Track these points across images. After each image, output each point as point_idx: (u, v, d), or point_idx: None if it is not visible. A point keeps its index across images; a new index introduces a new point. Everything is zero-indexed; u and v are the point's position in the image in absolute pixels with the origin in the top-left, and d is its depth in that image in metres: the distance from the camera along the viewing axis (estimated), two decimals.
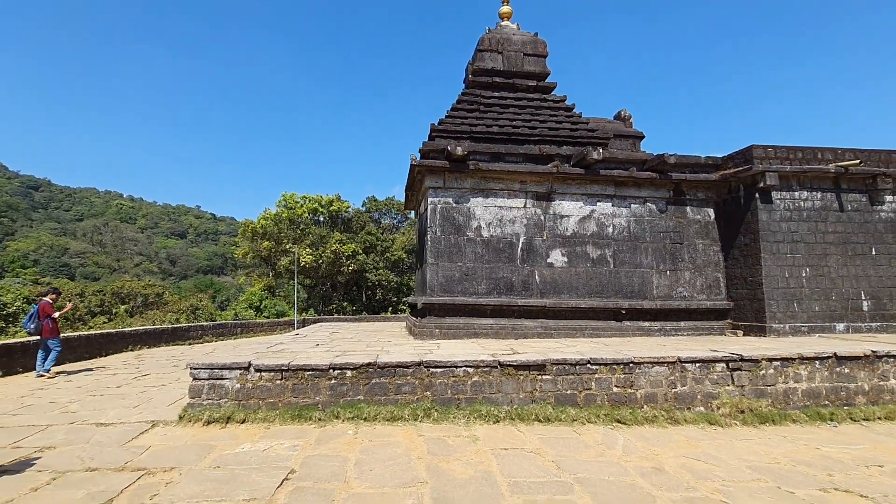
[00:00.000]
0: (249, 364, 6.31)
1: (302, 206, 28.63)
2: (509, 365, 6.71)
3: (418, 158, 10.07)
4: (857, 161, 10.16)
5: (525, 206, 10.47)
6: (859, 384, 7.34)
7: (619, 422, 6.60)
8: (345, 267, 26.61)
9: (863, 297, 10.29)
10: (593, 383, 6.82)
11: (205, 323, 18.11)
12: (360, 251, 27.47)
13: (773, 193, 10.28)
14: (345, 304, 28.03)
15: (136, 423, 6.08)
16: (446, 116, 11.11)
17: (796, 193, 10.40)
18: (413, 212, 14.81)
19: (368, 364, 6.48)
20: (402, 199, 35.47)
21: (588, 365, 6.84)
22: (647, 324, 10.51)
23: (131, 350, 13.58)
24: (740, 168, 10.47)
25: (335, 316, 25.65)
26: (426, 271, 10.19)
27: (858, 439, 6.28)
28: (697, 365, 7.04)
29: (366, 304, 30.08)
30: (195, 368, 6.24)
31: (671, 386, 6.97)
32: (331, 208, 29.73)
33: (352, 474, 4.56)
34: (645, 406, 6.83)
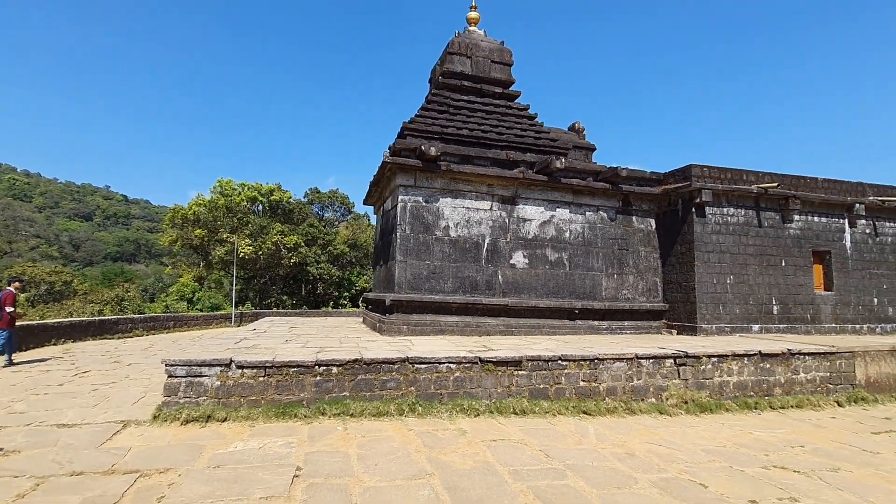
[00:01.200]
0: (231, 360, 6.12)
1: (240, 193, 26.98)
2: (489, 361, 7.06)
3: (390, 155, 10.12)
4: (775, 184, 11.69)
5: (491, 209, 10.90)
6: (777, 377, 8.54)
7: (585, 413, 7.19)
8: (286, 259, 25.59)
9: (774, 302, 11.88)
10: (563, 378, 7.37)
11: (134, 315, 16.64)
12: (302, 244, 26.59)
13: (707, 208, 11.55)
14: (284, 297, 26.93)
15: (103, 423, 5.68)
16: (417, 115, 11.23)
17: (725, 209, 11.76)
18: (372, 207, 14.74)
19: (354, 360, 6.52)
20: (346, 193, 34.92)
21: (559, 361, 7.37)
22: (596, 322, 11.38)
23: (55, 344, 12.28)
24: (680, 184, 11.63)
25: (274, 310, 24.65)
26: (394, 268, 10.28)
27: (779, 425, 7.34)
28: (651, 361, 7.83)
29: (305, 299, 29.15)
30: (171, 365, 5.94)
31: (629, 380, 7.70)
32: (271, 198, 28.33)
33: (358, 469, 4.65)
34: (607, 398, 7.49)
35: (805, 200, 12.24)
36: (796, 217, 12.33)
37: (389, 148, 10.60)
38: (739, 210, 11.89)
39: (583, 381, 7.46)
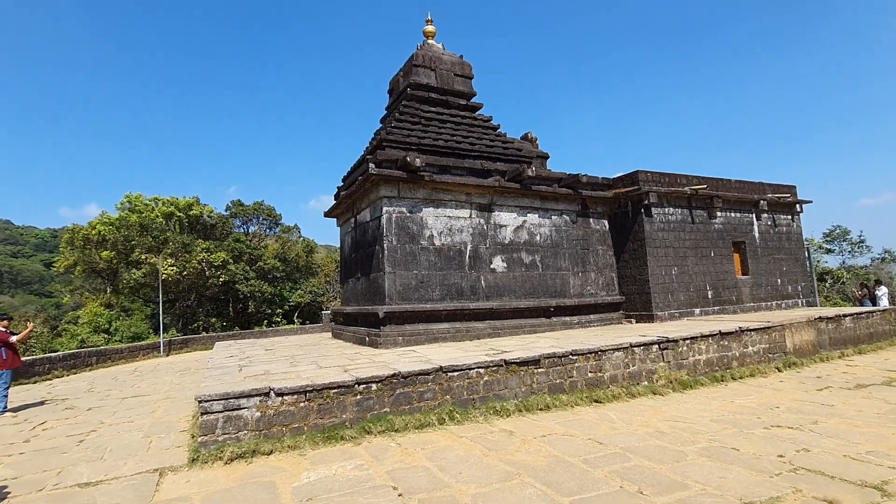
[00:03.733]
0: (270, 389, 5.78)
1: (154, 209, 24.20)
2: (512, 362, 7.40)
3: (375, 167, 10.04)
4: (704, 185, 13.49)
5: (470, 217, 11.26)
6: (734, 352, 9.92)
7: (596, 401, 7.81)
8: (213, 279, 23.54)
9: (707, 288, 13.68)
10: (574, 371, 7.94)
11: (51, 354, 14.28)
12: (230, 261, 24.64)
13: (653, 209, 12.99)
14: (212, 319, 24.69)
15: (132, 475, 5.08)
16: (393, 127, 11.25)
17: (666, 209, 13.31)
18: (335, 219, 14.31)
19: (393, 375, 6.49)
20: (271, 204, 33.13)
21: (570, 356, 7.93)
22: (568, 318, 12.24)
23: None
24: (630, 188, 12.95)
25: (203, 334, 22.56)
26: (381, 280, 10.21)
27: (747, 392, 8.57)
28: (641, 348, 8.71)
29: (234, 319, 27.01)
30: (206, 401, 5.47)
31: (626, 367, 8.49)
32: (190, 212, 25.80)
33: (449, 480, 4.73)
34: (611, 385, 8.20)
35: (725, 199, 14.27)
36: (719, 214, 14.32)
37: (367, 159, 10.53)
38: (677, 209, 13.53)
39: (590, 372, 8.10)
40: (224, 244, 26.09)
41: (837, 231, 36.15)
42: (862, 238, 35.00)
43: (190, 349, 20.99)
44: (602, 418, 6.92)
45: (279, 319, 28.24)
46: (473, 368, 7.05)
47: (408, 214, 10.51)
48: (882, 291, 17.51)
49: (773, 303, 15.00)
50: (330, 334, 14.87)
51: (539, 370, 7.61)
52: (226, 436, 5.50)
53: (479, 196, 11.38)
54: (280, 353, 10.04)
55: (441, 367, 6.82)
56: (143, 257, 21.60)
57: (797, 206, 16.22)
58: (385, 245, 10.17)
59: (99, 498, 4.56)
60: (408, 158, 9.90)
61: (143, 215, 23.15)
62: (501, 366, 7.31)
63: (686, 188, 13.51)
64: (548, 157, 14.49)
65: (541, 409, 7.29)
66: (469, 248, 11.13)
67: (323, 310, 29.97)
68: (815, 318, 11.56)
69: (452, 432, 6.32)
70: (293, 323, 28.87)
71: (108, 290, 24.76)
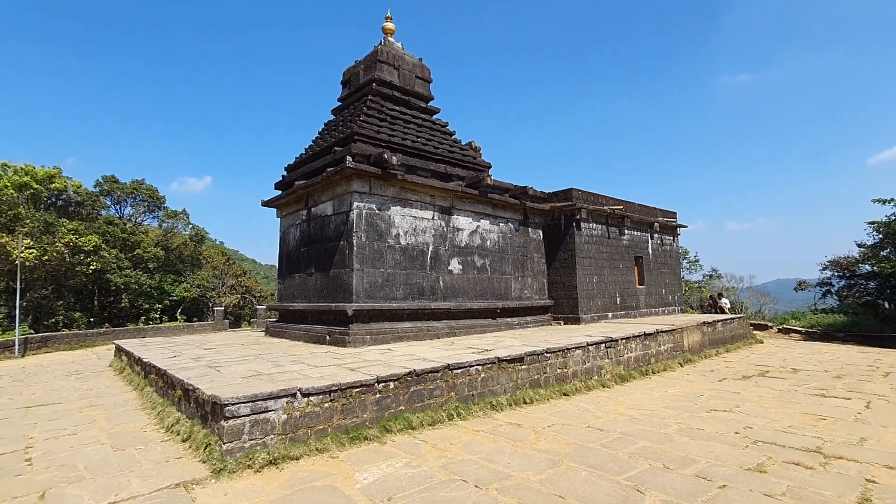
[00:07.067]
0: (297, 390, 5.43)
1: (1, 177, 19.19)
2: (503, 360, 7.88)
3: (352, 160, 9.72)
4: (620, 206, 15.52)
5: (433, 218, 11.48)
6: (652, 350, 11.67)
7: (564, 394, 8.67)
8: (82, 266, 19.66)
9: (617, 296, 15.74)
10: (548, 368, 8.70)
11: None
12: (103, 246, 20.83)
13: (582, 224, 14.58)
14: (76, 314, 20.50)
15: (151, 493, 4.42)
16: (362, 121, 10.94)
17: (591, 225, 15.03)
18: (278, 209, 13.22)
19: (409, 373, 6.52)
20: (152, 184, 28.85)
21: (545, 354, 8.67)
22: (510, 319, 13.12)
23: None
24: (565, 203, 14.37)
25: (66, 332, 18.84)
26: (348, 277, 9.91)
27: (669, 384, 10.18)
28: (594, 346, 9.85)
29: (102, 315, 22.82)
30: (233, 404, 4.96)
31: (583, 363, 9.53)
32: (51, 186, 21.03)
33: (506, 470, 5.02)
34: (573, 380, 9.14)
35: (632, 219, 16.56)
36: (627, 232, 16.57)
37: (338, 150, 10.16)
38: (599, 225, 15.36)
39: (559, 368, 8.94)
40: (94, 226, 22.09)
41: (681, 250, 43.79)
42: (697, 258, 42.90)
43: (51, 349, 17.49)
44: (580, 409, 7.73)
45: (158, 316, 24.78)
46: (473, 366, 7.37)
47: (377, 212, 10.37)
48: (725, 302, 21.83)
49: (660, 309, 17.80)
50: (260, 332, 13.76)
51: (522, 367, 8.21)
52: (252, 441, 5.04)
53: (442, 199, 11.67)
54: (235, 354, 9.13)
55: (448, 364, 7.02)
56: None
57: (678, 229, 19.48)
58: (354, 241, 9.90)
59: None
60: (384, 155, 9.81)
61: None
62: (495, 363, 7.74)
63: (606, 207, 15.41)
64: (490, 167, 15.30)
65: (525, 403, 7.88)
66: (431, 248, 11.34)
67: (213, 306, 27.10)
68: (701, 323, 14.10)
69: (464, 427, 6.56)
70: (175, 320, 25.62)
71: None
